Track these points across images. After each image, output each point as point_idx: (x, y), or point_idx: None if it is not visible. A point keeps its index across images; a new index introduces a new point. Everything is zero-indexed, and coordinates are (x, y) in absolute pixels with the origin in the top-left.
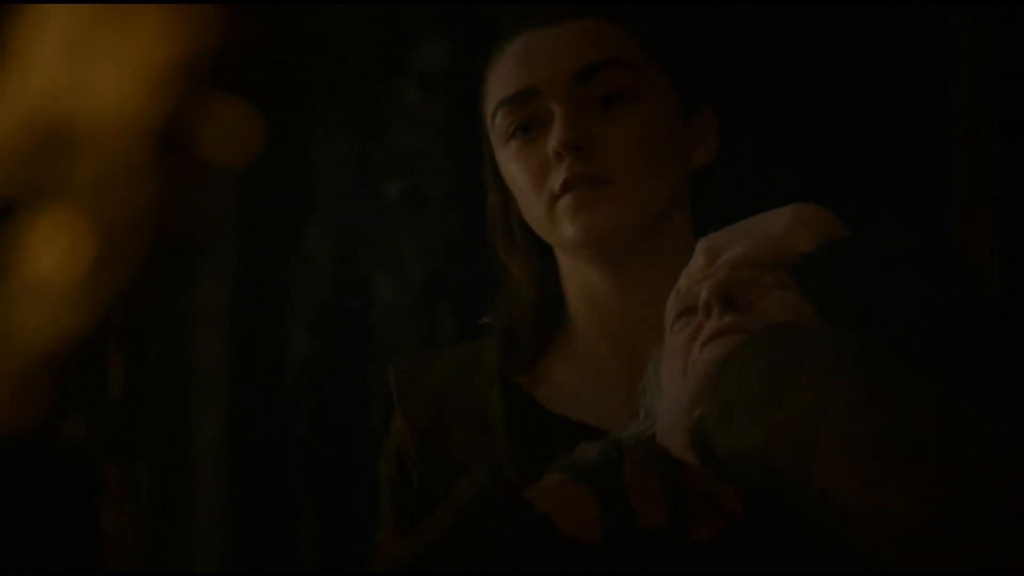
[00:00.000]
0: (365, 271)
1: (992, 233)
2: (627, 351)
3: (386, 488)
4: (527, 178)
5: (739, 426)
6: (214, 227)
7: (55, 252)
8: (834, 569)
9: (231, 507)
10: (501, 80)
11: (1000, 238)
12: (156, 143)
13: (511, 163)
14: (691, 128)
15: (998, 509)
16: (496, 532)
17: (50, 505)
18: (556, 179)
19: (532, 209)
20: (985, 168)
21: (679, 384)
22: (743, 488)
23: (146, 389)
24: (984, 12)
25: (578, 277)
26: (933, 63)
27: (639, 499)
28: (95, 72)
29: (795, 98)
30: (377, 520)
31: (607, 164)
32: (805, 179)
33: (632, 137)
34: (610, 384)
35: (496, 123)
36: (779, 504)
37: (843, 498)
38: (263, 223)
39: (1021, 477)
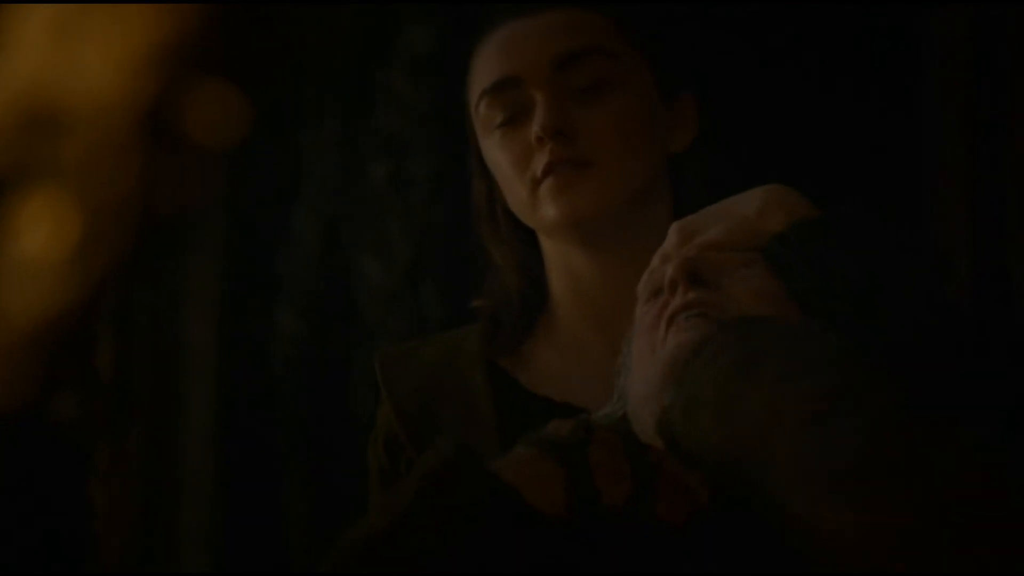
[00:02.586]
0: (351, 253)
1: (968, 228)
2: (609, 332)
3: (374, 473)
4: (510, 164)
5: (701, 424)
6: (201, 208)
7: (43, 232)
8: (798, 564)
9: (219, 485)
10: (484, 70)
11: (975, 233)
12: (143, 125)
13: (495, 151)
14: (670, 113)
15: (943, 528)
16: (461, 503)
17: (41, 482)
18: (538, 163)
19: (515, 194)
20: (960, 163)
21: (648, 363)
22: (708, 479)
23: (135, 368)
24: (961, 5)
25: (561, 261)
26: (912, 51)
27: (604, 477)
28: (83, 55)
29: (775, 86)
30: (364, 498)
31: (588, 148)
32: (783, 166)
33: (612, 122)
34: (592, 365)
35: (480, 112)
36: (742, 500)
37: (795, 507)
38: (251, 205)
39: (968, 496)
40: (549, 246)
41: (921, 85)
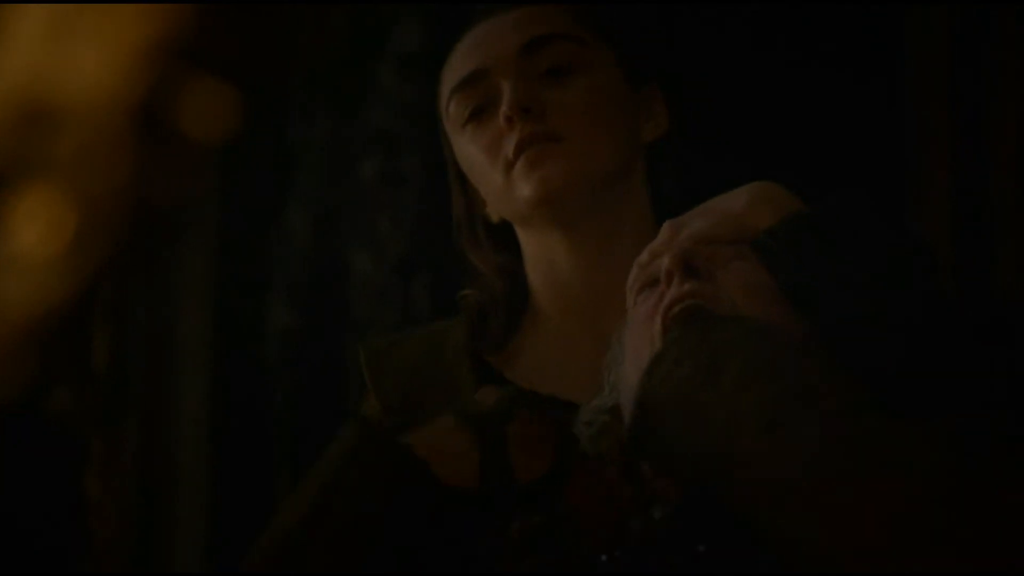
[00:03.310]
0: (342, 247)
1: (949, 219)
2: (590, 324)
3: None
4: (482, 152)
5: (668, 439)
6: (194, 203)
7: (37, 228)
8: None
9: (212, 476)
10: (452, 71)
11: (956, 225)
12: (136, 121)
13: (467, 147)
14: (639, 101)
15: (904, 530)
16: (374, 477)
17: (36, 474)
18: (509, 144)
19: (490, 184)
20: (941, 155)
21: (647, 356)
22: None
23: (130, 362)
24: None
25: (540, 254)
26: (893, 42)
27: (520, 454)
28: (77, 51)
29: (754, 78)
30: None
31: (557, 123)
32: (763, 159)
33: (580, 99)
34: (575, 357)
35: (451, 112)
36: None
37: (764, 516)
38: (244, 200)
39: (925, 493)
40: (528, 241)
41: (902, 77)
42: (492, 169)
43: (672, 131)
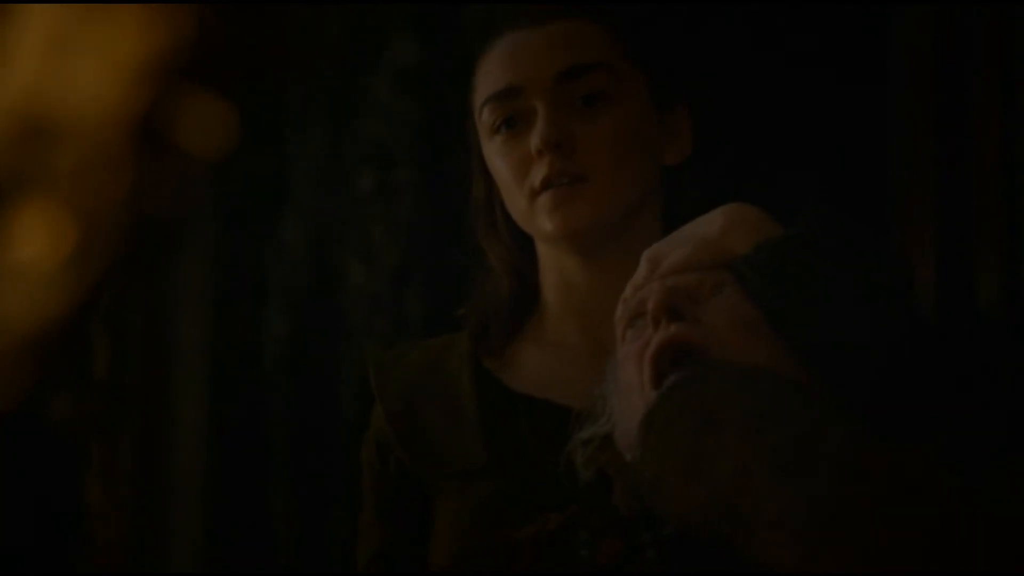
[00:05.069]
0: (338, 258)
1: (933, 232)
2: (596, 336)
3: (367, 473)
4: (509, 172)
5: (671, 491)
6: (191, 215)
7: (37, 239)
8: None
9: (210, 482)
10: (488, 78)
11: (940, 237)
12: (134, 134)
13: (495, 156)
14: (665, 127)
15: (925, 560)
16: None
17: (37, 479)
18: (537, 175)
19: (514, 201)
20: (925, 167)
21: (637, 398)
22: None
23: (129, 370)
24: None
25: (555, 266)
26: (879, 54)
27: None
28: (76, 67)
29: (761, 98)
30: (350, 494)
31: (585, 162)
32: (769, 176)
33: (609, 137)
34: (577, 366)
35: (483, 118)
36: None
37: (787, 565)
38: (240, 211)
39: (940, 525)
40: (544, 251)
41: (887, 88)
42: (517, 190)
43: (695, 152)
